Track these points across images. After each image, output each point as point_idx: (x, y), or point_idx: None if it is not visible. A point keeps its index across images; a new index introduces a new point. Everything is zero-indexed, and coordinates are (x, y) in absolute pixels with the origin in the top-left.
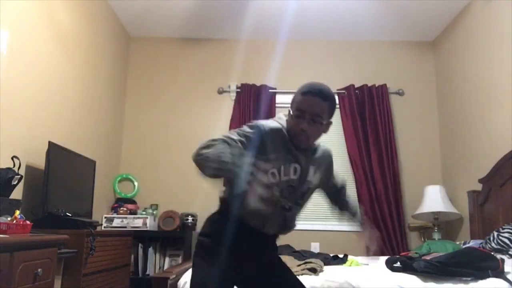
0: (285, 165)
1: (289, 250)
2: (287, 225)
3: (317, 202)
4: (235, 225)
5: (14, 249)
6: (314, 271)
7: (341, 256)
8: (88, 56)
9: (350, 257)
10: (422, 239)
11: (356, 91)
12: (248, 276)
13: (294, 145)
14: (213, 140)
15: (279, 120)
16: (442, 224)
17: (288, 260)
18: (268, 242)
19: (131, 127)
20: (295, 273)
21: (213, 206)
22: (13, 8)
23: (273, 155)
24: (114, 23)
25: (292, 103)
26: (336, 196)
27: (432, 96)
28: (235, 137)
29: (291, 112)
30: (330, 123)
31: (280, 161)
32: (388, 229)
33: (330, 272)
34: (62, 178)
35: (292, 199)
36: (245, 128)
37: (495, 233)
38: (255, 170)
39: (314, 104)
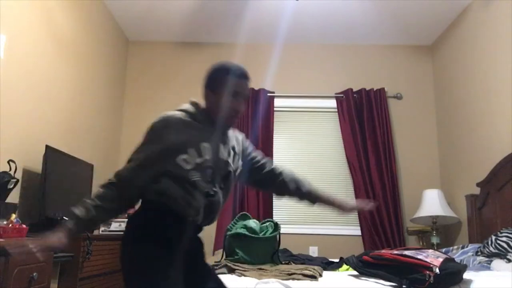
0: (195, 147)
1: (287, 254)
2: (214, 214)
3: (318, 205)
4: (174, 220)
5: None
6: (312, 277)
7: (336, 260)
8: (86, 60)
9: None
10: (421, 243)
11: (354, 95)
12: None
13: (207, 124)
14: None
15: (178, 111)
16: (441, 228)
17: (287, 267)
18: (195, 234)
19: (129, 130)
20: (294, 277)
21: None
22: (11, 13)
23: (179, 141)
24: (113, 27)
25: (220, 85)
26: (281, 183)
27: (430, 99)
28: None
29: (220, 92)
30: None
31: (188, 144)
32: (386, 233)
33: (329, 278)
34: (59, 182)
35: (215, 183)
36: (146, 140)
37: (493, 237)
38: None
39: (247, 87)
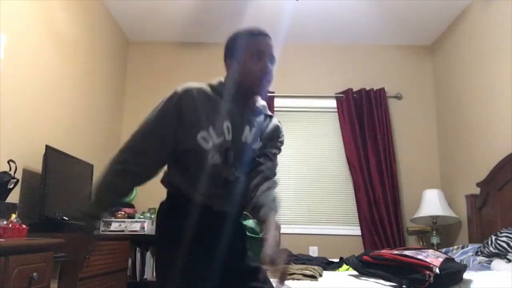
0: (216, 125)
1: None
2: (237, 201)
3: (315, 206)
4: (198, 211)
5: (9, 253)
6: (313, 277)
7: (336, 260)
8: (86, 60)
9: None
10: (421, 243)
11: (354, 95)
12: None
13: (231, 99)
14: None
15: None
16: (441, 228)
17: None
18: (229, 225)
19: (129, 131)
20: (294, 277)
21: None
22: (11, 13)
23: (198, 118)
24: (113, 28)
25: (240, 48)
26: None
27: (430, 99)
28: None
29: (241, 57)
30: None
31: (208, 121)
32: (386, 233)
33: (329, 278)
34: (59, 182)
35: (237, 168)
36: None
37: (493, 237)
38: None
39: (270, 45)
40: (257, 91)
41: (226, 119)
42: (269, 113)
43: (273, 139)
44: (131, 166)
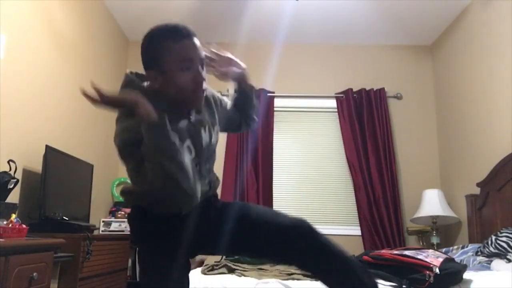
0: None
1: None
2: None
3: (318, 205)
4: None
5: (9, 253)
6: (313, 277)
7: None
8: (86, 60)
9: None
10: (421, 243)
11: (354, 95)
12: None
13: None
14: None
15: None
16: (441, 228)
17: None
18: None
19: None
20: (294, 277)
21: None
22: (10, 13)
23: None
24: (113, 27)
25: (161, 58)
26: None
27: (430, 99)
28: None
29: (166, 69)
30: None
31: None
32: (386, 233)
33: None
34: (59, 182)
35: (208, 172)
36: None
37: (493, 237)
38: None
39: (197, 47)
40: (193, 105)
41: (184, 138)
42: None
43: (219, 104)
44: None
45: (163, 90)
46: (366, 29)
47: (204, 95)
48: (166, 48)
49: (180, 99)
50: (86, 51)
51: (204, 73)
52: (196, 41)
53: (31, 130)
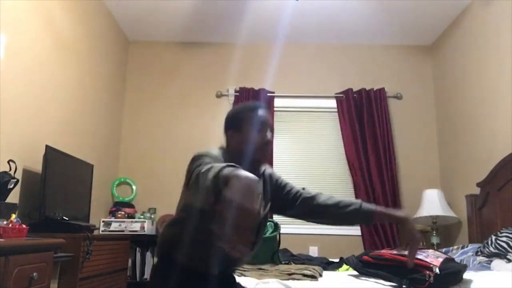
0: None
1: (287, 254)
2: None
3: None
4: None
5: (9, 253)
6: (313, 277)
7: (336, 260)
8: (86, 60)
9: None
10: (421, 243)
11: (354, 95)
12: None
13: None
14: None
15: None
16: (441, 228)
17: (287, 267)
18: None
19: (129, 131)
20: (294, 277)
21: None
22: (11, 13)
23: None
24: (113, 28)
25: (245, 121)
26: (318, 208)
27: (430, 99)
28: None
29: (245, 129)
30: None
31: None
32: (386, 233)
33: (329, 278)
34: (59, 182)
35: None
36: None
37: (493, 237)
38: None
39: (268, 118)
40: (261, 160)
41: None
42: (260, 170)
43: (278, 187)
44: None
45: (237, 146)
46: (366, 29)
47: (267, 153)
48: (248, 115)
49: (252, 153)
50: (86, 51)
51: (270, 135)
52: (268, 114)
53: (31, 130)
